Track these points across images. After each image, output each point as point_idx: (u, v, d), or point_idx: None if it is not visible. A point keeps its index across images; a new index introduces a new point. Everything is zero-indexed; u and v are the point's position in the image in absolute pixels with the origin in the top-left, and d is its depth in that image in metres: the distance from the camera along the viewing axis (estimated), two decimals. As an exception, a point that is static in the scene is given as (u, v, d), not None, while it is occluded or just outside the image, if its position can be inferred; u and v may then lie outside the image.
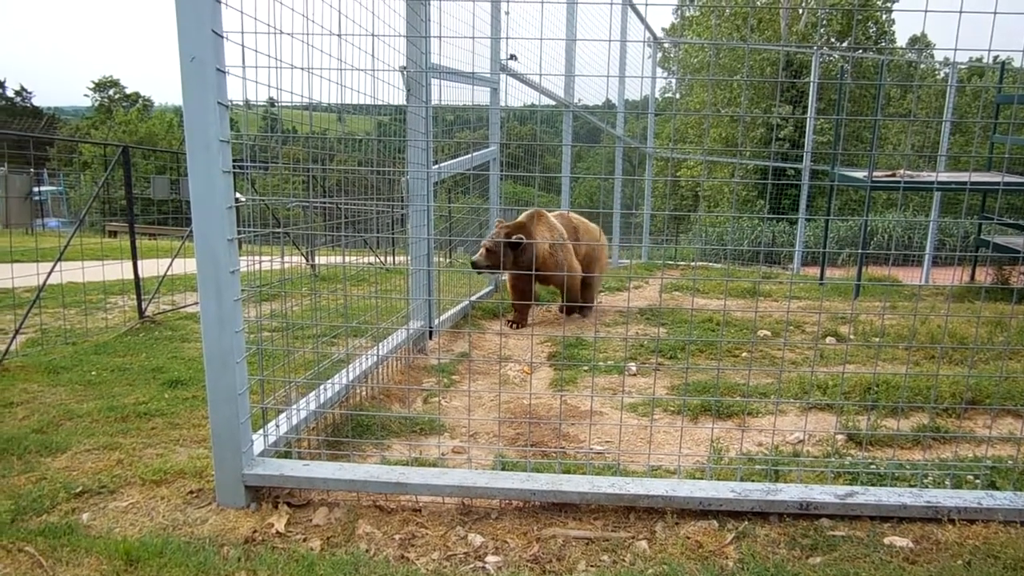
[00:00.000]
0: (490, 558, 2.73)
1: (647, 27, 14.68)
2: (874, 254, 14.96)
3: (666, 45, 22.18)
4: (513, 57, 7.96)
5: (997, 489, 3.12)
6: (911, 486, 3.13)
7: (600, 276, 7.88)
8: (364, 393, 4.48)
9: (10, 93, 51.49)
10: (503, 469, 3.24)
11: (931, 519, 2.94)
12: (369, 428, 4.01)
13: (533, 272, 6.38)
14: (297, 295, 6.03)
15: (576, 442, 4.07)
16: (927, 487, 3.13)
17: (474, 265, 6.43)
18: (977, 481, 3.22)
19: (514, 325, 7.06)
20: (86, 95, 52.96)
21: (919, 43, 32.61)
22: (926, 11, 2.99)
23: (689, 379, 5.13)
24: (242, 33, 2.88)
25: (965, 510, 2.93)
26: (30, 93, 52.27)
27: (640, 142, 15.49)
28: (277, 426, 3.40)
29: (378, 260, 8.99)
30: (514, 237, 6.35)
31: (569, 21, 10.21)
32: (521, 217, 6.91)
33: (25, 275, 5.96)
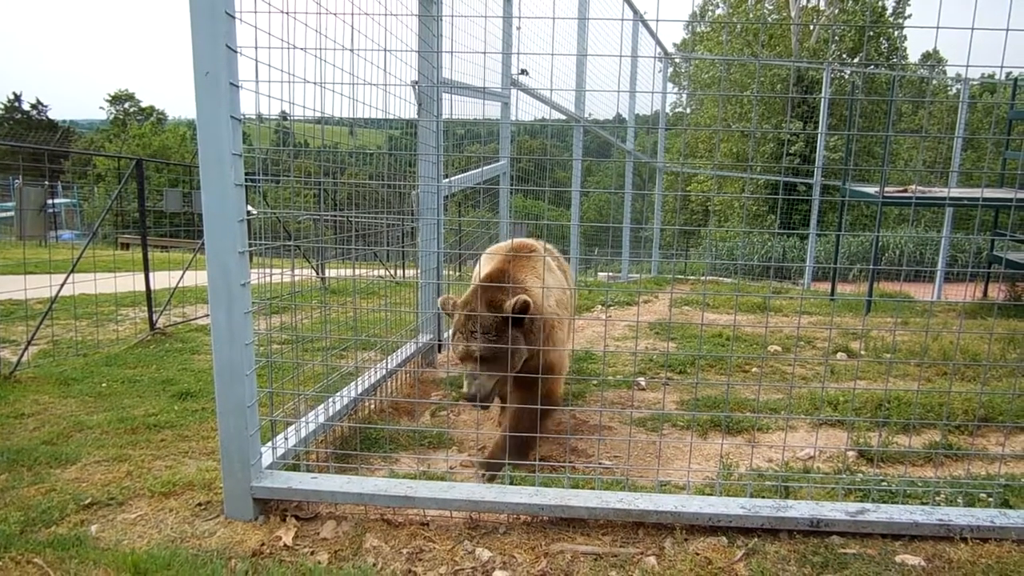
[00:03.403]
0: (498, 573, 2.72)
1: (658, 42, 14.74)
2: (886, 270, 14.89)
3: (677, 60, 22.25)
4: (524, 72, 8.00)
5: (1011, 507, 3.08)
6: (923, 504, 3.10)
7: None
8: (372, 406, 4.48)
9: (26, 106, 52.06)
10: (511, 483, 3.23)
11: (943, 537, 2.90)
12: (377, 441, 4.00)
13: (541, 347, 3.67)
14: (307, 308, 6.05)
15: (585, 457, 4.06)
16: (939, 505, 3.10)
17: (472, 400, 3.57)
18: (990, 499, 3.18)
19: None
20: (101, 108, 53.70)
21: (931, 59, 32.55)
22: (938, 27, 2.98)
23: (699, 394, 5.11)
24: (256, 48, 2.91)
25: (978, 528, 2.89)
26: (46, 106, 52.88)
27: (650, 157, 15.51)
28: (286, 439, 3.41)
29: (388, 273, 9.02)
30: (515, 301, 3.48)
31: (580, 36, 10.27)
32: (498, 261, 3.97)
33: (38, 287, 6.01)
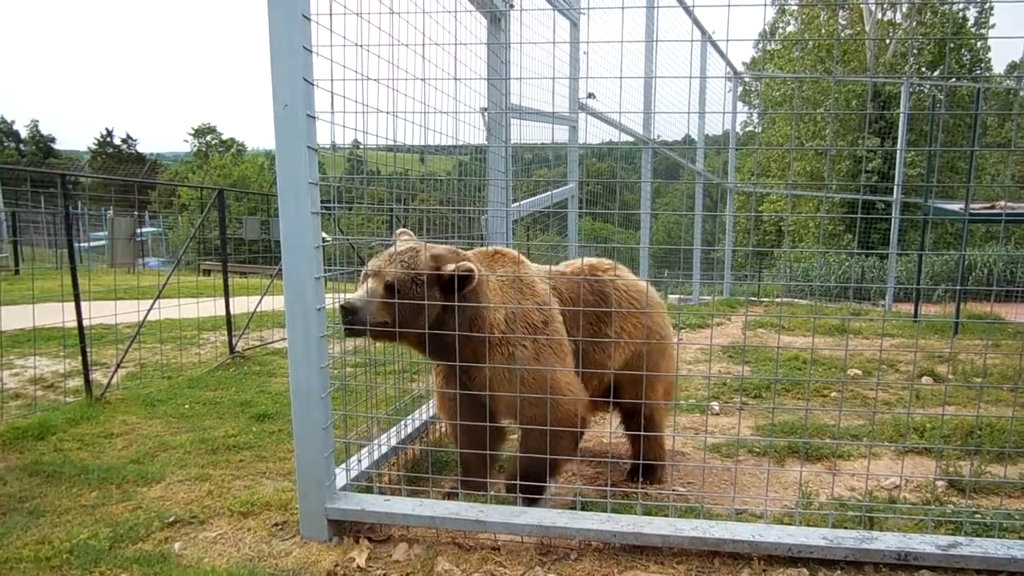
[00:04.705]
0: (569, 600, 2.68)
1: (727, 62, 14.56)
2: (974, 290, 14.21)
3: (747, 79, 21.94)
4: (592, 95, 8.01)
5: (1121, 544, 2.88)
6: (1021, 538, 2.92)
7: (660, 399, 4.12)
8: (443, 429, 4.51)
9: (117, 141, 55.03)
10: (582, 509, 3.19)
11: (1046, 575, 2.73)
12: (448, 464, 4.02)
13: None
14: (379, 331, 6.14)
15: (657, 483, 3.98)
16: (1040, 540, 2.91)
17: (348, 314, 2.95)
18: (1097, 535, 2.98)
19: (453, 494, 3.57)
20: (186, 140, 56.34)
21: (1018, 70, 31.18)
22: (1025, 37, 2.86)
23: (775, 419, 4.95)
24: (331, 80, 3.01)
25: (1084, 566, 2.70)
26: (134, 140, 55.85)
27: (721, 177, 15.29)
28: (359, 461, 3.46)
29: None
30: (453, 266, 3.15)
31: (648, 57, 10.23)
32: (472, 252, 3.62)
33: (127, 312, 6.30)
